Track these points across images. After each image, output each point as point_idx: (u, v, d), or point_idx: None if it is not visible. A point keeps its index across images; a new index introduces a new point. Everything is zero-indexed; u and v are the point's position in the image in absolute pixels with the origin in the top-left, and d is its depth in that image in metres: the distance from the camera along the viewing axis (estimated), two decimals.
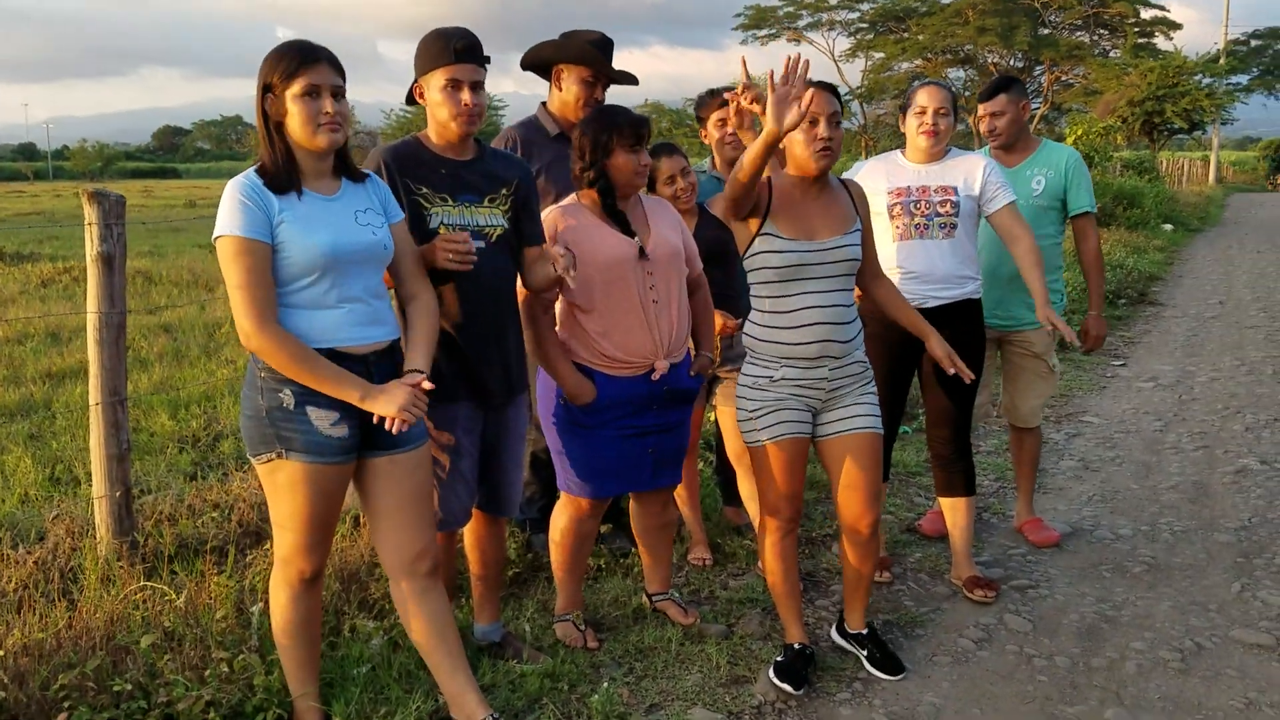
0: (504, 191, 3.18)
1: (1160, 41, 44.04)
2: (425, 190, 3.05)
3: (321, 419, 2.63)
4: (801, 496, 3.43)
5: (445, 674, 2.89)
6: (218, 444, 5.93)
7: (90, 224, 3.63)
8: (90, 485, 3.93)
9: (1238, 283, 13.67)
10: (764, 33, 51.45)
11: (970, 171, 3.95)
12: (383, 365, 2.74)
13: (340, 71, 2.66)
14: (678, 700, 3.31)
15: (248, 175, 2.61)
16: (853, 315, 3.34)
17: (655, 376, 3.38)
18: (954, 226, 3.93)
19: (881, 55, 49.65)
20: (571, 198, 3.45)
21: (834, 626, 3.72)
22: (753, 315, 3.35)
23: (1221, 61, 41.29)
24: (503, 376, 3.21)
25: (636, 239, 3.34)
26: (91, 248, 3.65)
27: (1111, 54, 44.65)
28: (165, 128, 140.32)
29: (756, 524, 4.20)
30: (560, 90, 4.04)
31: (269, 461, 2.66)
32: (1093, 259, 4.63)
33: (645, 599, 3.90)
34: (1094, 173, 18.53)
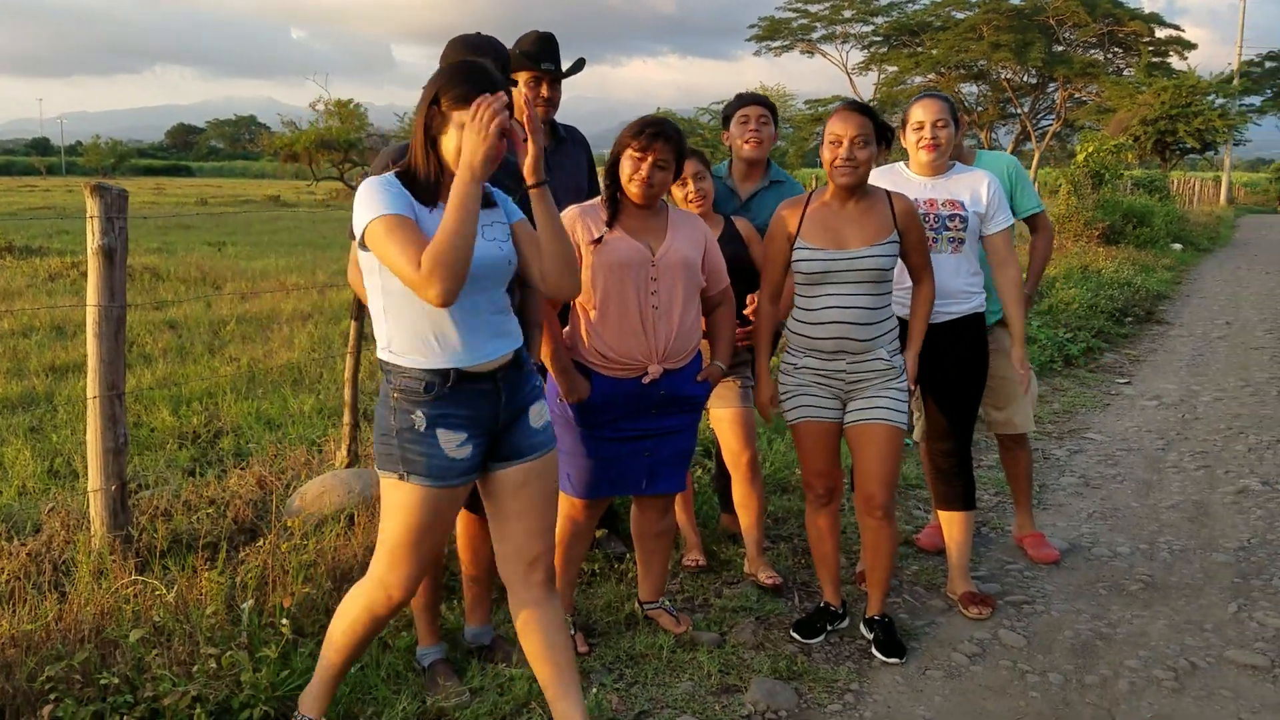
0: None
1: (1174, 61, 44.05)
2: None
3: (449, 441, 2.63)
4: (832, 475, 3.73)
5: (554, 692, 2.83)
6: (218, 441, 5.93)
7: (92, 217, 3.64)
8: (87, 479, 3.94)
9: (1245, 303, 13.63)
10: (777, 44, 51.53)
11: (976, 187, 3.95)
12: (510, 378, 2.74)
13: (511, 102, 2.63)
14: (667, 708, 3.29)
15: (389, 175, 2.62)
16: (879, 317, 3.56)
17: (646, 380, 3.39)
18: (962, 241, 3.93)
19: (895, 69, 49.66)
20: (596, 199, 3.51)
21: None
22: (793, 310, 3.66)
23: (1235, 82, 41.30)
24: None
25: (659, 250, 3.39)
26: (93, 241, 3.66)
27: (1125, 72, 44.63)
28: (179, 126, 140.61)
29: (745, 532, 4.23)
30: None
31: (391, 479, 2.66)
32: (1042, 250, 4.71)
33: (637, 606, 3.89)
34: (1105, 190, 18.51)
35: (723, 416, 4.12)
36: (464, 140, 2.50)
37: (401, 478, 2.63)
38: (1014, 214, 4.41)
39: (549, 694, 2.83)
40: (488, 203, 2.74)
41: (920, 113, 3.92)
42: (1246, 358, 9.73)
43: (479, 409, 2.67)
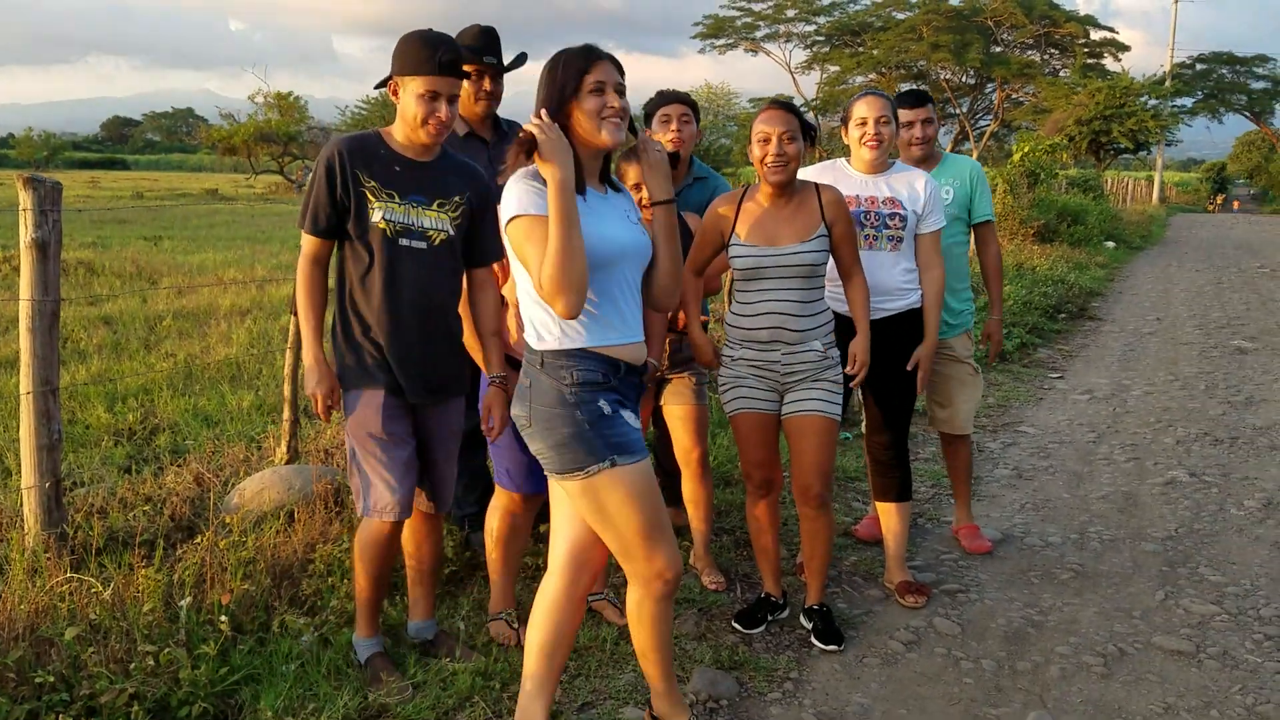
0: (455, 199, 3.19)
1: (1109, 63, 44.86)
2: (373, 184, 3.06)
3: (631, 418, 2.71)
4: (769, 466, 3.79)
5: (660, 678, 2.97)
6: (154, 438, 5.85)
7: (25, 210, 3.58)
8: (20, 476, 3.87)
9: (1175, 300, 13.96)
10: (721, 42, 51.68)
11: (914, 184, 4.01)
12: (632, 373, 2.78)
13: (621, 70, 2.70)
14: (610, 699, 3.32)
15: (532, 168, 2.63)
16: (813, 310, 3.63)
17: None
18: (900, 240, 3.99)
19: (837, 68, 50.05)
20: None
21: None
22: (731, 304, 3.74)
23: (1167, 84, 42.17)
24: (421, 380, 3.20)
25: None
26: (25, 234, 3.60)
27: (1061, 74, 45.37)
28: (114, 118, 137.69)
29: (694, 529, 4.26)
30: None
31: (598, 474, 2.63)
32: (995, 265, 4.78)
33: None
34: (1040, 189, 18.82)
35: (675, 413, 4.15)
36: (543, 152, 2.56)
37: (613, 464, 2.62)
38: (970, 218, 4.51)
39: (652, 678, 2.98)
40: (616, 188, 2.86)
41: (864, 109, 3.97)
42: (1176, 353, 9.98)
43: (631, 400, 2.78)
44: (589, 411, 2.63)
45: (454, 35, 3.99)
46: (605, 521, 2.70)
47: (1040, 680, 3.59)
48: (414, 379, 3.16)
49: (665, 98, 4.35)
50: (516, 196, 2.61)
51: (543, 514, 4.26)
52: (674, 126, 4.26)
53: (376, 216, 3.05)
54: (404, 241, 3.09)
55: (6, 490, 4.50)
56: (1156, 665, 3.71)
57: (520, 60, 4.19)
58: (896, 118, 4.06)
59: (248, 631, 3.33)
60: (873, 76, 48.97)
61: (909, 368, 4.02)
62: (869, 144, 3.97)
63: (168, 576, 3.40)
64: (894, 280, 3.99)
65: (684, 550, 4.45)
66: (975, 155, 47.38)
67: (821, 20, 50.62)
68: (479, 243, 3.27)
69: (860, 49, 48.76)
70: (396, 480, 3.15)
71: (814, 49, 51.63)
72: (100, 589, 3.27)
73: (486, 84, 4.07)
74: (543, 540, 4.34)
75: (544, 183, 2.59)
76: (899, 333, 4.00)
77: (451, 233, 3.17)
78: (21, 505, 3.78)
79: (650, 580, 2.76)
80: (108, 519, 4.10)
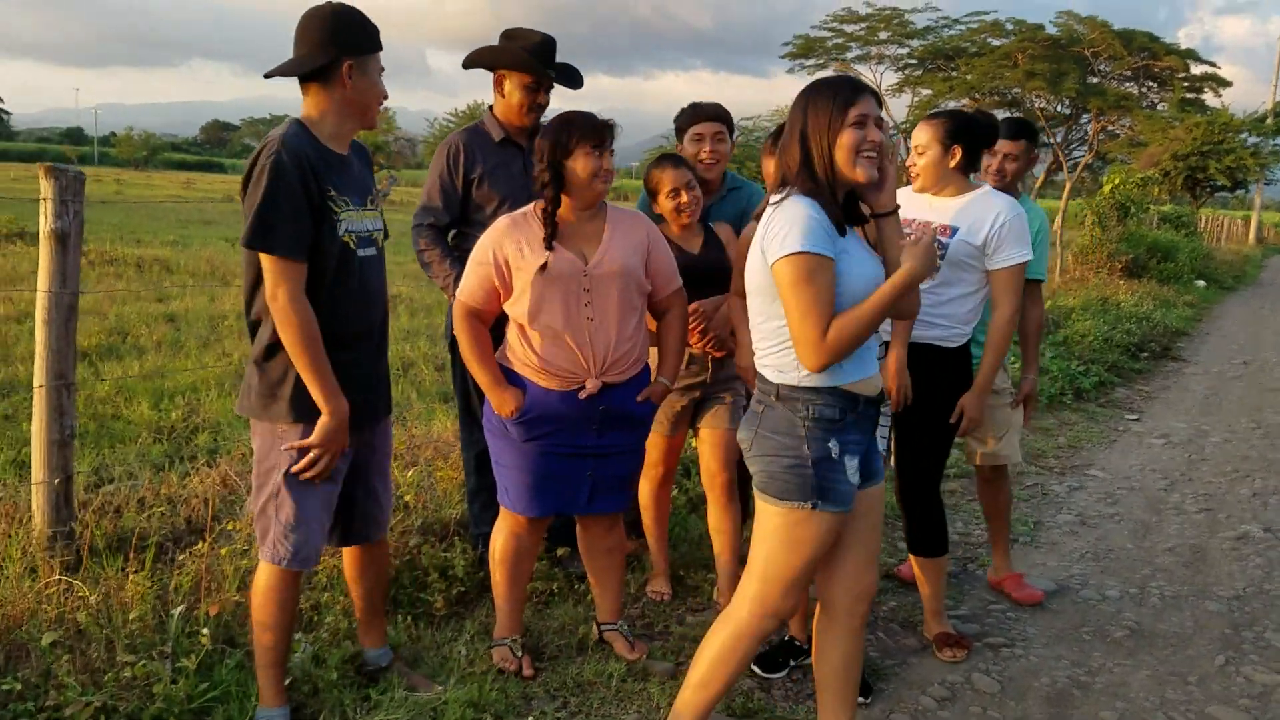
0: (375, 192, 3.01)
1: (1209, 98, 43.57)
2: (334, 192, 2.76)
3: (852, 469, 2.63)
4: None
5: (830, 712, 2.89)
6: (194, 436, 5.81)
7: (45, 199, 3.52)
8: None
9: (1265, 343, 13.34)
10: (811, 62, 51.27)
11: (982, 216, 3.65)
12: (871, 406, 2.71)
13: (880, 103, 2.66)
14: None
15: (810, 197, 2.57)
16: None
17: (582, 395, 3.24)
18: (936, 269, 3.71)
19: (929, 92, 49.34)
20: (529, 206, 3.29)
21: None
22: None
23: (1269, 121, 40.75)
24: (378, 395, 3.03)
25: (591, 261, 3.21)
26: (45, 224, 3.53)
27: (1159, 107, 44.23)
28: (213, 122, 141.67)
29: (717, 558, 4.04)
30: (503, 96, 3.92)
31: (798, 510, 2.61)
32: (1035, 327, 4.36)
33: (594, 628, 3.73)
34: (1130, 223, 18.22)
35: (705, 437, 3.95)
36: (924, 252, 2.55)
37: (815, 507, 2.59)
38: None
39: (824, 711, 2.91)
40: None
41: (917, 134, 3.76)
42: (1261, 399, 9.48)
43: (866, 435, 2.70)
44: (818, 449, 2.60)
45: (513, 38, 3.89)
46: (779, 552, 2.66)
47: None
48: (375, 395, 2.98)
49: (700, 113, 4.14)
50: (804, 229, 2.50)
51: (557, 538, 4.11)
52: (707, 146, 4.03)
53: (342, 230, 2.78)
54: (362, 252, 2.86)
55: (25, 485, 4.45)
56: None
57: (579, 82, 4.05)
58: (958, 137, 3.76)
59: (240, 645, 3.20)
60: (965, 101, 48.26)
61: (952, 419, 3.71)
62: (911, 175, 3.80)
63: (160, 583, 3.29)
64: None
65: (708, 583, 4.23)
66: (1068, 185, 46.45)
67: (915, 44, 50.00)
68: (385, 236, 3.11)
69: (954, 74, 48.07)
70: (327, 521, 2.91)
71: (906, 72, 51.01)
72: (87, 593, 3.16)
73: (542, 97, 3.93)
74: (559, 564, 4.18)
75: (820, 213, 2.53)
76: (915, 364, 3.67)
77: (384, 231, 3.01)
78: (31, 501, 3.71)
79: (770, 619, 2.73)
80: (122, 518, 4.01)
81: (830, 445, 2.59)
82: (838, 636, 2.85)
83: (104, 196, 32.61)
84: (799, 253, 2.47)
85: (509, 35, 3.92)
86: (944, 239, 3.69)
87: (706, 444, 3.95)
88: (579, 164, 3.12)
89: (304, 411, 2.75)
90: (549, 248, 3.14)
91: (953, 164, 3.71)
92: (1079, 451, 7.18)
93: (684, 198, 3.78)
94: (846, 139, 2.55)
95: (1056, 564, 4.94)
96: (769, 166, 3.49)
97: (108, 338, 8.49)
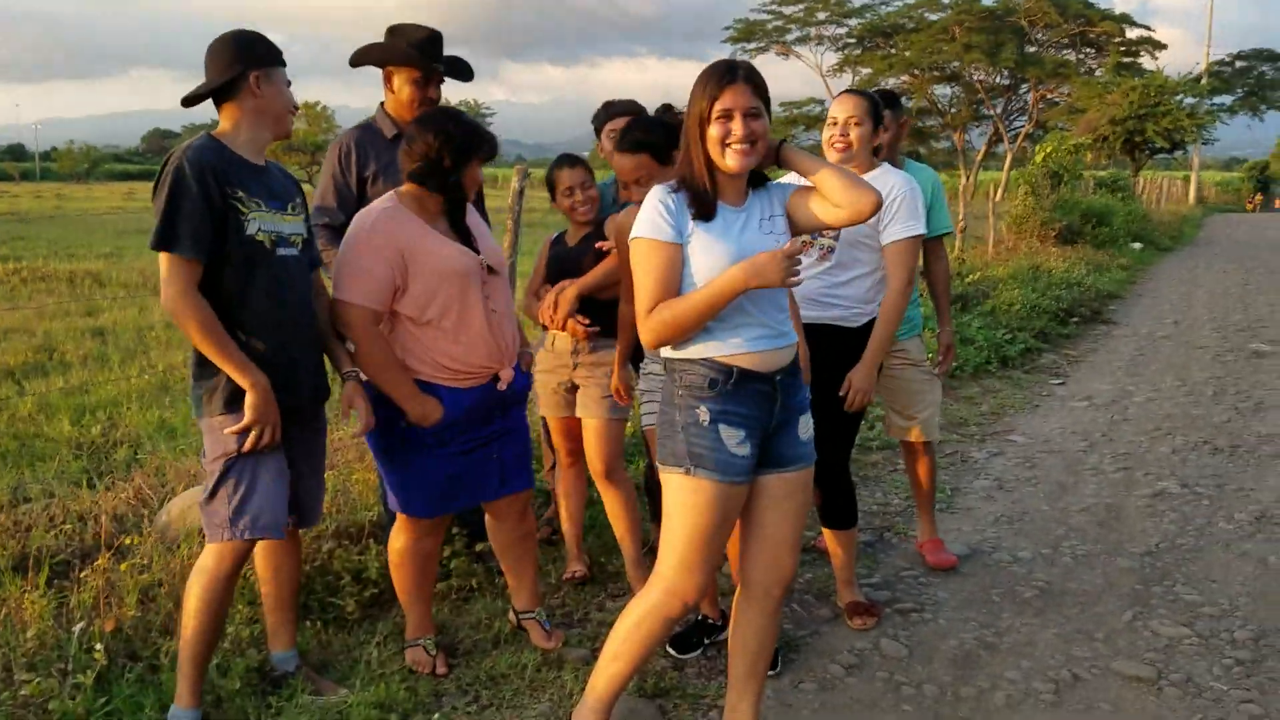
0: (298, 200, 3.11)
1: (1146, 61, 44.21)
2: (241, 194, 2.89)
3: (730, 438, 2.66)
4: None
5: (738, 690, 2.98)
6: (114, 451, 5.77)
7: None
8: None
9: (1197, 302, 13.58)
10: (753, 46, 51.54)
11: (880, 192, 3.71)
12: (786, 382, 2.76)
13: (760, 91, 2.63)
14: None
15: (670, 187, 2.68)
16: None
17: (502, 386, 3.28)
18: (831, 249, 3.76)
19: (869, 71, 49.67)
20: (388, 197, 3.23)
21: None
22: None
23: (1203, 82, 41.36)
24: (313, 387, 3.14)
25: (481, 255, 3.25)
26: None
27: (1096, 73, 44.75)
28: (154, 131, 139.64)
29: (621, 544, 4.08)
30: (393, 92, 3.93)
31: (678, 475, 2.69)
32: (943, 279, 4.50)
33: (512, 615, 3.75)
34: (1063, 190, 18.45)
35: (584, 425, 3.98)
36: (765, 265, 2.54)
37: (688, 472, 2.66)
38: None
39: (732, 689, 2.99)
40: (760, 183, 2.79)
41: (837, 108, 3.75)
42: (1188, 356, 9.65)
43: (756, 409, 2.71)
44: (687, 415, 2.68)
45: (398, 34, 3.90)
46: (669, 520, 2.74)
47: (983, 708, 3.39)
48: (306, 385, 3.08)
49: (613, 111, 4.15)
50: (644, 217, 2.66)
51: (478, 533, 4.12)
52: None
53: (253, 228, 2.89)
54: (281, 251, 2.98)
55: None
56: (1112, 693, 3.49)
57: (469, 74, 4.06)
58: (879, 120, 3.81)
59: (140, 659, 3.20)
60: (905, 78, 48.58)
61: (841, 392, 3.73)
62: (836, 146, 3.73)
63: (57, 601, 3.28)
64: (810, 289, 3.75)
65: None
66: (1010, 156, 46.88)
67: (853, 22, 50.38)
68: (313, 246, 3.22)
69: (892, 51, 48.41)
70: (284, 491, 3.01)
71: (845, 51, 51.35)
72: None
73: (431, 91, 3.94)
74: (479, 559, 4.19)
75: (680, 209, 2.64)
76: (816, 345, 3.66)
77: (306, 235, 3.12)
78: None
79: (672, 596, 2.76)
80: (29, 538, 3.98)
81: (698, 411, 2.66)
82: (753, 616, 2.92)
83: (44, 212, 32.13)
84: (635, 238, 2.66)
85: (394, 31, 3.92)
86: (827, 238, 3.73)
87: (587, 432, 3.99)
88: (475, 174, 3.23)
89: (235, 404, 2.90)
90: (475, 249, 3.24)
91: (876, 142, 3.77)
92: (1000, 418, 7.29)
93: (578, 196, 3.86)
94: (713, 132, 2.62)
95: (971, 529, 5.03)
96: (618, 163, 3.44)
97: (34, 355, 8.40)
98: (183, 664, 2.94)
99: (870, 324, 3.78)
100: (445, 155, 3.12)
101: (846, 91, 3.81)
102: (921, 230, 3.74)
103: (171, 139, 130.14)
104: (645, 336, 2.66)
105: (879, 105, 3.80)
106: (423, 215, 3.18)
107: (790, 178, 3.28)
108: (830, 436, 3.83)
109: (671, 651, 3.65)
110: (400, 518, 3.38)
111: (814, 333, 3.69)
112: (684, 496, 2.69)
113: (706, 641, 3.73)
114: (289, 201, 3.05)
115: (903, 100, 4.25)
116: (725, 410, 2.67)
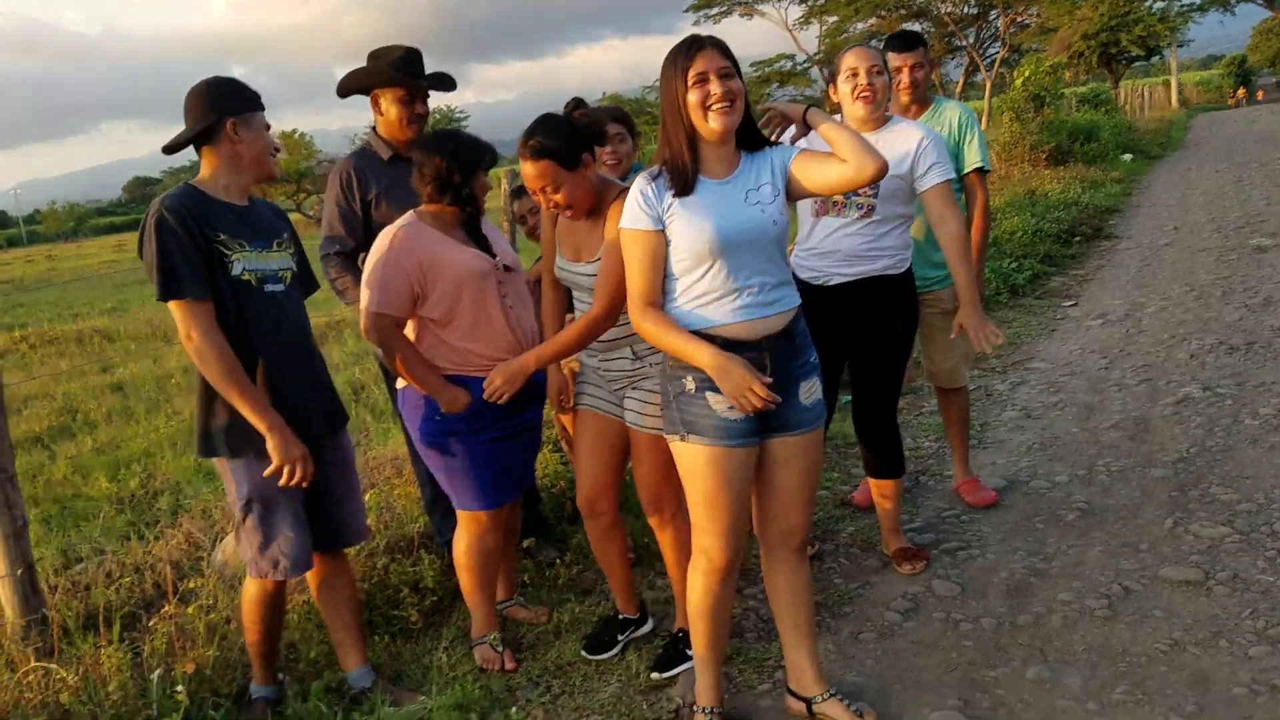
0: (285, 236, 3.19)
1: None
2: (224, 237, 2.96)
3: (719, 403, 2.74)
4: (603, 478, 3.43)
5: (789, 645, 3.14)
6: (156, 501, 5.86)
7: None
8: None
9: (1194, 205, 13.57)
10: (715, 11, 51.36)
11: (906, 147, 3.65)
12: (778, 348, 2.80)
13: (728, 55, 2.69)
14: (594, 714, 3.25)
15: (653, 173, 2.79)
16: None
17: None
18: (872, 208, 3.70)
19: (835, 18, 49.45)
20: (408, 215, 3.40)
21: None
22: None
23: None
24: (323, 414, 3.21)
25: (498, 258, 3.42)
26: None
27: None
28: (135, 179, 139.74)
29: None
30: (382, 114, 3.99)
31: (676, 442, 2.83)
32: (981, 216, 4.41)
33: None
34: (1048, 112, 18.39)
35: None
36: (731, 376, 2.66)
37: (682, 438, 2.80)
38: (956, 169, 4.21)
39: (785, 646, 3.15)
40: (755, 147, 2.83)
41: (853, 59, 3.66)
42: (1193, 260, 9.68)
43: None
44: (675, 385, 2.80)
45: (378, 56, 3.96)
46: (684, 487, 2.90)
47: (1042, 632, 3.46)
48: (315, 415, 3.15)
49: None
50: (626, 208, 2.80)
51: (524, 530, 4.21)
52: (608, 148, 3.92)
53: (238, 269, 2.97)
54: (269, 287, 3.06)
55: None
56: (1163, 599, 3.57)
57: (452, 85, 4.12)
58: (888, 68, 3.79)
59: (224, 694, 3.29)
60: (873, 21, 48.32)
61: (953, 335, 3.80)
62: (861, 98, 3.64)
63: (131, 651, 3.36)
64: (855, 246, 3.74)
65: None
66: (989, 85, 46.66)
67: None
68: (308, 276, 3.31)
69: None
70: (302, 531, 3.12)
71: (809, 2, 51.08)
72: (64, 674, 3.23)
73: (419, 106, 3.99)
74: (526, 554, 4.28)
75: (660, 195, 2.75)
76: (859, 300, 3.74)
77: (295, 268, 3.19)
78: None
79: (700, 555, 2.92)
80: (90, 596, 4.07)
81: (685, 380, 2.77)
82: (778, 572, 3.06)
83: (39, 275, 32.25)
84: (621, 228, 2.81)
85: (374, 55, 3.99)
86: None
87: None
88: (482, 183, 3.40)
89: (238, 448, 2.99)
90: (493, 255, 3.40)
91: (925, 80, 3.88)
92: (1019, 347, 7.34)
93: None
94: (692, 98, 2.68)
95: (1005, 460, 5.09)
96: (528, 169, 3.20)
97: (58, 419, 8.49)
98: (252, 658, 3.30)
99: (910, 268, 3.85)
100: (454, 172, 3.30)
101: (859, 45, 3.76)
102: (952, 174, 3.72)
103: (154, 185, 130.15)
104: (635, 320, 2.80)
105: (926, 46, 3.89)
106: (440, 227, 3.35)
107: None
108: (877, 387, 3.93)
109: (585, 655, 3.59)
110: (461, 518, 3.50)
111: (864, 286, 3.74)
112: (685, 461, 2.83)
113: (620, 638, 3.64)
114: (274, 238, 3.12)
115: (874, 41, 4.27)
116: (710, 378, 2.73)
